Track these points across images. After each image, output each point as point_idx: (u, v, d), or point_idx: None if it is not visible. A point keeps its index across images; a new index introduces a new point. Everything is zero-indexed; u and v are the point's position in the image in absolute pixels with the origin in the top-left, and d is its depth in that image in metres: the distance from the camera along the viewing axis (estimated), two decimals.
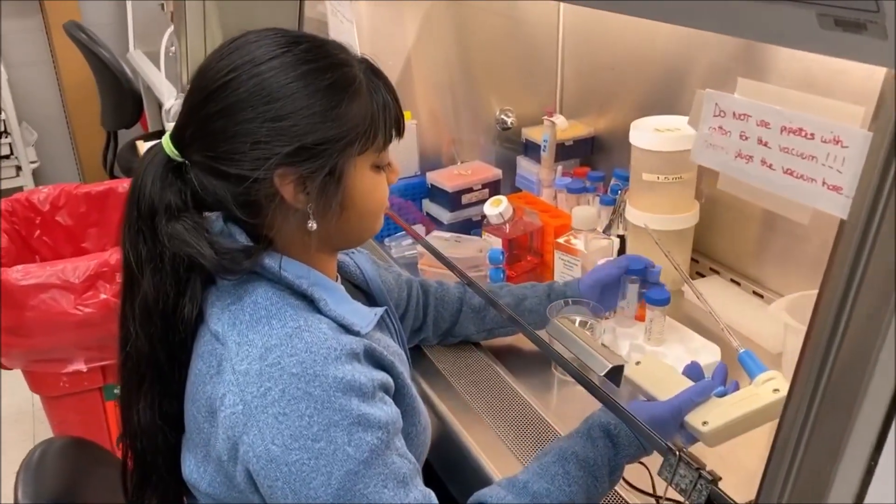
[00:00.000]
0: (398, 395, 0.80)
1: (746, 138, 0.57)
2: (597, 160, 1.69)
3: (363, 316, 0.80)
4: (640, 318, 1.24)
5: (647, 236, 1.34)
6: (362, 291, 0.97)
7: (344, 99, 0.74)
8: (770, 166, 0.57)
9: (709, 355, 1.16)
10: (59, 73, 3.51)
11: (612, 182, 1.49)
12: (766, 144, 0.56)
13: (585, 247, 1.27)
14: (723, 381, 0.88)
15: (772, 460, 0.53)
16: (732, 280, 1.39)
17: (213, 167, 0.74)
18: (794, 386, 0.52)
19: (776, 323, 1.16)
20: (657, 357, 0.97)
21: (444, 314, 1.15)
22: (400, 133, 0.81)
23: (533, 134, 1.69)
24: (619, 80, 1.61)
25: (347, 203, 0.77)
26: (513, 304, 1.12)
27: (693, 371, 0.90)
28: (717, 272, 1.42)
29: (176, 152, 0.76)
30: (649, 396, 0.85)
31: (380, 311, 0.84)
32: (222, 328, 0.74)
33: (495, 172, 1.60)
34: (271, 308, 0.74)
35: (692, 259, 1.42)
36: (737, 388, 0.86)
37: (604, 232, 1.36)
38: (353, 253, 0.98)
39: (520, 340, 1.23)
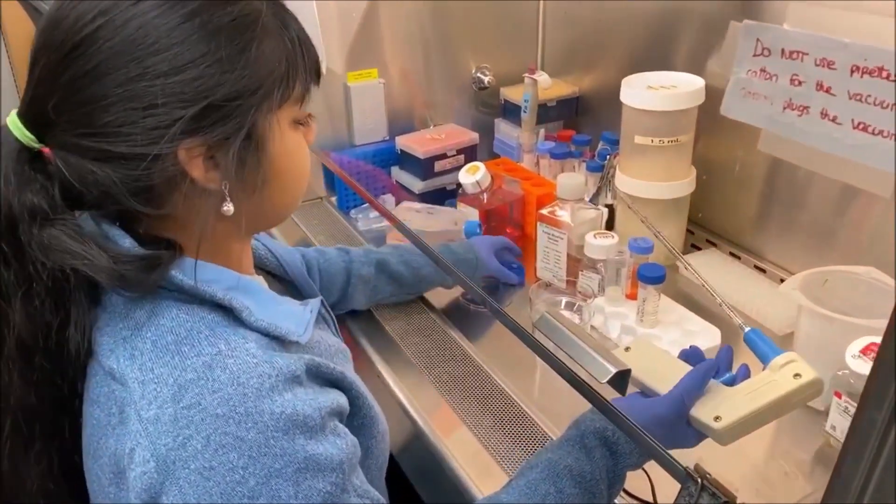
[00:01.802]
0: (353, 408, 0.67)
1: (800, 83, 0.44)
2: (582, 122, 1.56)
3: (297, 318, 0.66)
4: (632, 297, 1.12)
5: (638, 206, 1.21)
6: (279, 280, 0.83)
7: (253, 39, 0.59)
8: (834, 119, 0.43)
9: (708, 339, 1.05)
10: None
11: (600, 146, 1.36)
12: (828, 90, 0.43)
13: (572, 218, 1.14)
14: (728, 365, 0.76)
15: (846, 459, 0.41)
16: (732, 253, 1.27)
17: (90, 148, 0.57)
18: (879, 368, 0.39)
19: (785, 302, 1.04)
20: (649, 341, 0.85)
21: (330, 286, 1.04)
22: (319, 77, 0.67)
23: (512, 94, 1.55)
24: (607, 32, 1.47)
25: (270, 173, 0.63)
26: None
27: (693, 356, 0.79)
28: (714, 245, 1.30)
29: (31, 136, 0.58)
30: (646, 388, 0.74)
31: (314, 304, 0.70)
32: (118, 364, 0.58)
33: (471, 137, 1.45)
34: (179, 331, 0.58)
35: (688, 230, 1.30)
36: (747, 373, 0.74)
37: (590, 201, 1.23)
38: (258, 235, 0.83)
39: (493, 323, 1.10)
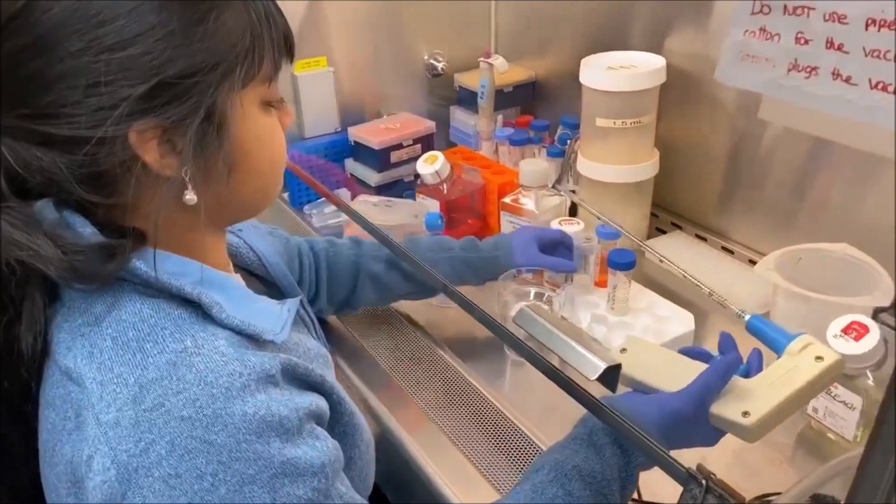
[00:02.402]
0: (334, 415, 0.61)
1: (806, 42, 0.40)
2: (539, 107, 1.53)
3: (273, 317, 0.60)
4: (601, 285, 1.09)
5: (601, 190, 1.18)
6: (260, 279, 0.77)
7: (211, 9, 0.53)
8: (848, 80, 0.39)
9: (681, 324, 1.02)
10: None
11: (560, 131, 1.33)
12: (839, 48, 0.39)
13: (536, 206, 1.11)
14: (759, 365, 0.71)
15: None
16: (698, 235, 1.25)
17: (32, 130, 0.51)
18: None
19: (755, 282, 1.02)
20: (643, 339, 0.81)
21: (339, 281, 0.97)
22: (291, 54, 0.61)
23: (467, 80, 1.51)
24: (560, 14, 1.43)
25: (237, 159, 0.57)
26: (435, 265, 0.95)
27: (696, 354, 0.74)
28: (679, 227, 1.28)
29: None
30: (649, 389, 0.68)
31: (293, 304, 0.64)
32: (75, 363, 0.53)
33: (427, 125, 1.40)
34: (142, 326, 0.53)
35: (652, 214, 1.27)
36: (761, 362, 0.70)
37: (552, 187, 1.20)
38: (239, 229, 0.77)
39: (461, 315, 1.06)
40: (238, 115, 0.56)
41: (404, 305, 1.08)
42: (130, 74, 0.50)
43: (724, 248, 1.21)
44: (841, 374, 0.67)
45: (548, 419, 0.89)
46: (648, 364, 0.70)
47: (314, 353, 0.65)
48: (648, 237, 1.25)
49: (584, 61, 1.17)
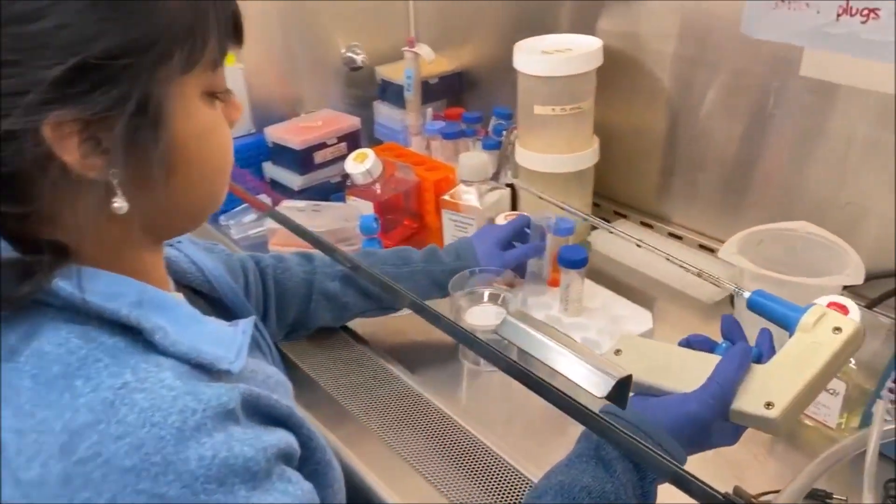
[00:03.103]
0: (304, 451, 0.52)
1: None
2: (469, 99, 1.45)
3: (226, 341, 0.51)
4: (554, 284, 1.02)
5: (542, 182, 1.12)
6: (205, 298, 0.66)
7: None
8: None
9: (639, 322, 0.97)
10: None
11: (494, 122, 1.25)
12: None
13: (479, 201, 1.03)
14: (771, 348, 0.64)
15: None
16: (643, 223, 1.20)
17: None
18: None
19: (711, 267, 0.97)
20: (637, 336, 0.73)
21: (290, 301, 0.86)
22: (239, 36, 0.51)
23: (390, 72, 1.42)
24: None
25: (176, 160, 0.47)
26: (396, 278, 0.86)
27: (698, 343, 0.66)
28: (623, 216, 1.23)
29: None
30: (656, 392, 0.61)
31: (247, 325, 0.54)
32: None
33: (352, 122, 1.31)
34: (69, 359, 0.43)
35: (594, 203, 1.22)
36: (772, 343, 0.63)
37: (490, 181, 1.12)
38: (178, 241, 0.66)
39: (404, 323, 0.97)
40: (177, 106, 0.46)
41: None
42: (44, 53, 0.40)
43: (672, 234, 1.17)
44: (863, 343, 0.61)
45: (511, 429, 0.82)
46: (651, 364, 0.62)
47: (274, 382, 0.56)
48: (593, 228, 1.19)
49: (517, 46, 1.11)
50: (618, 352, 0.66)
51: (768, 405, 0.56)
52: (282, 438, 0.48)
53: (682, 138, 1.13)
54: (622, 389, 0.44)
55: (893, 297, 0.87)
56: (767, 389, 0.57)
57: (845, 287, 0.81)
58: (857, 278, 0.78)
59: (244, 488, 0.42)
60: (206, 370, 0.47)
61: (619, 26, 1.15)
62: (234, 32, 0.50)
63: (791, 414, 0.56)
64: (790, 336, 0.61)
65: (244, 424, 0.45)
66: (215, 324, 0.53)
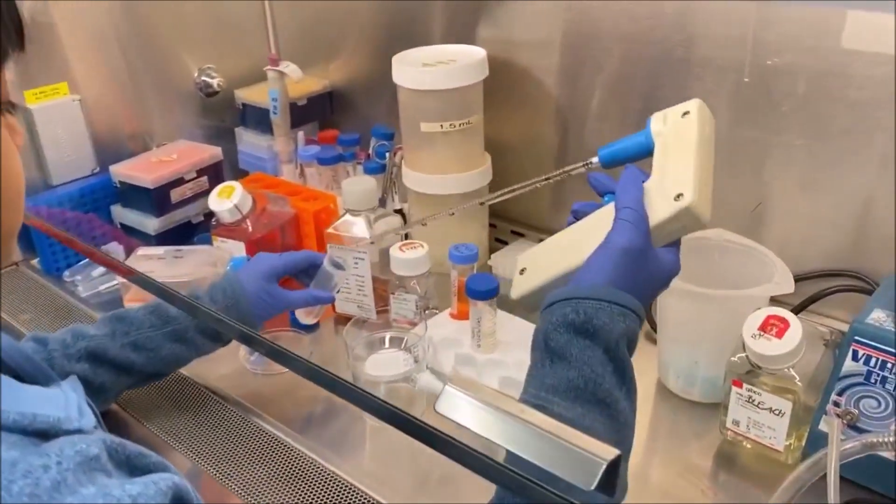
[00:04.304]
0: None
1: None
2: (342, 120, 1.33)
3: (59, 402, 0.41)
4: (460, 317, 0.92)
5: (433, 205, 1.02)
6: None
7: None
8: None
9: None
10: None
11: (375, 143, 1.14)
12: None
13: (370, 232, 0.91)
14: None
15: None
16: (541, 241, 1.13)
17: None
18: None
19: None
20: (528, 250, 0.68)
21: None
22: (21, 42, 0.42)
23: (251, 95, 1.28)
24: (347, 11, 1.25)
25: None
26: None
27: (582, 208, 0.63)
28: (521, 235, 1.15)
29: None
30: (570, 277, 0.56)
31: (70, 384, 0.45)
32: None
33: (212, 152, 1.15)
34: None
35: (490, 224, 1.13)
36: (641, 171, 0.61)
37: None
38: None
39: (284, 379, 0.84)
40: None
41: (210, 377, 0.85)
42: None
43: None
44: (713, 118, 0.61)
45: (424, 489, 0.72)
46: (556, 256, 0.60)
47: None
48: (491, 251, 1.11)
49: (395, 59, 1.00)
50: (522, 271, 0.63)
51: (678, 197, 0.54)
52: (169, 479, 0.37)
53: (573, 148, 1.07)
54: (613, 473, 0.33)
55: (818, 300, 0.83)
56: (667, 188, 0.56)
57: (772, 297, 0.76)
58: (788, 286, 0.73)
59: None
60: (46, 436, 0.37)
61: (498, 34, 1.07)
62: (17, 40, 0.43)
63: (702, 195, 0.55)
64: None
65: (114, 475, 0.36)
66: (33, 388, 0.42)
